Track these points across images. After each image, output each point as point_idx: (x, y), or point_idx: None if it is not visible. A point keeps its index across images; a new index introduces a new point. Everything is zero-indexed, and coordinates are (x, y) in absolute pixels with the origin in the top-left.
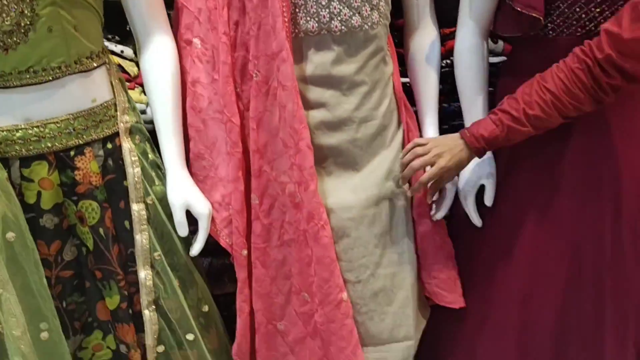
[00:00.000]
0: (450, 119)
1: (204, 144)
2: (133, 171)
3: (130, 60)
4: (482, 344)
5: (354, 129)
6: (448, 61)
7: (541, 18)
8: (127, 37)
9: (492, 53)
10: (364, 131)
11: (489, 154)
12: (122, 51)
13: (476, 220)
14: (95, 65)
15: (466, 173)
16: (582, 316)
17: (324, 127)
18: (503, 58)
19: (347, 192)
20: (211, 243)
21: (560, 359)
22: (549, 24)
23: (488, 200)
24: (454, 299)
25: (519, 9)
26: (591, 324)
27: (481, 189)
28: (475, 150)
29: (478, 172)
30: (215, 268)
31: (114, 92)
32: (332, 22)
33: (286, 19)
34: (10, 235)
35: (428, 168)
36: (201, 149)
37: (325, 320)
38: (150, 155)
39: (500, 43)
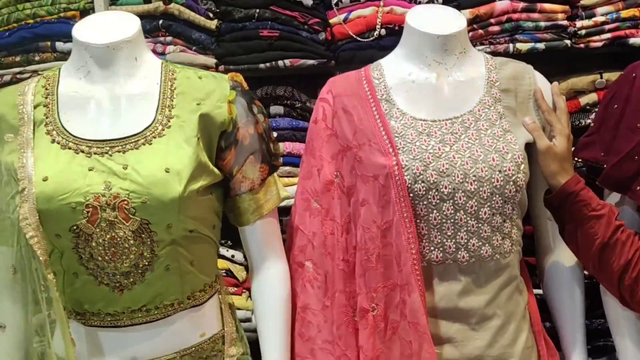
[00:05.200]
0: (593, 339)
1: None
2: None
3: (240, 264)
4: None
5: None
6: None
7: None
8: (239, 242)
9: None
10: None
11: None
12: (232, 256)
13: None
14: (207, 297)
15: None
16: None
17: None
18: None
19: None
20: None
21: None
22: None
23: None
24: None
25: None
26: None
27: None
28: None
29: None
30: None
31: (223, 322)
32: (459, 252)
33: (413, 251)
34: None
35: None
36: None
37: None
38: None
39: None
